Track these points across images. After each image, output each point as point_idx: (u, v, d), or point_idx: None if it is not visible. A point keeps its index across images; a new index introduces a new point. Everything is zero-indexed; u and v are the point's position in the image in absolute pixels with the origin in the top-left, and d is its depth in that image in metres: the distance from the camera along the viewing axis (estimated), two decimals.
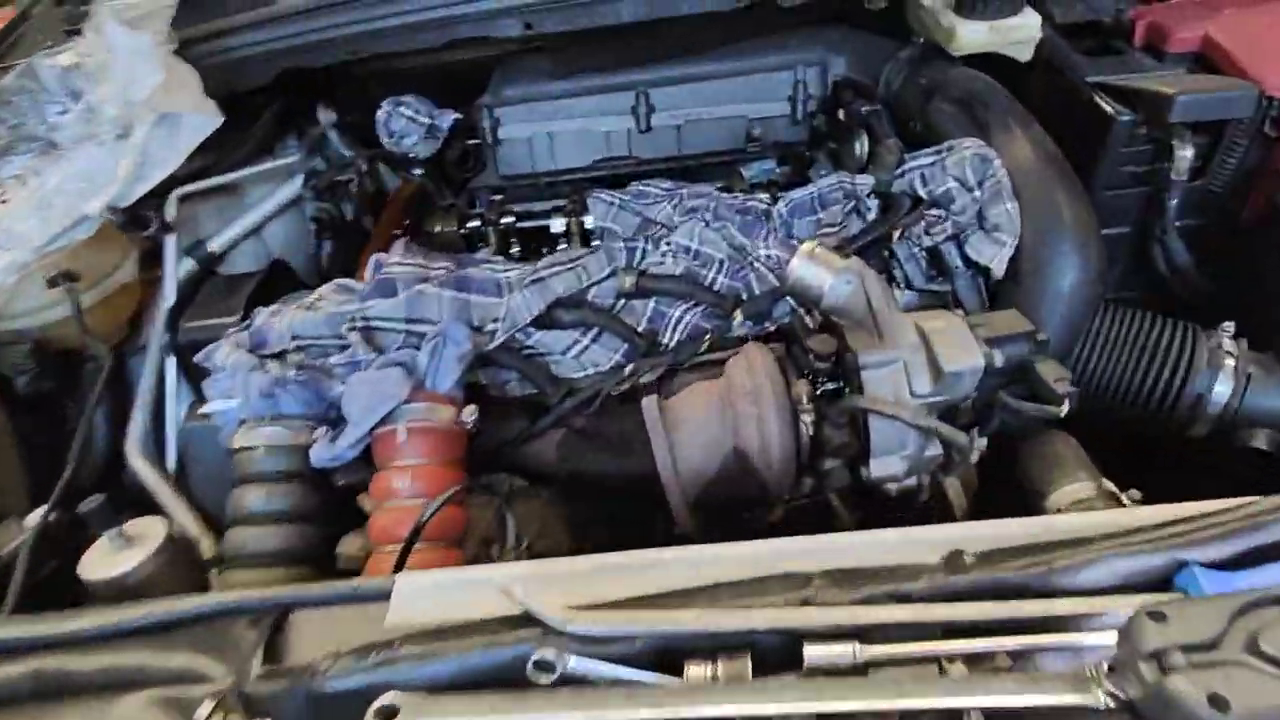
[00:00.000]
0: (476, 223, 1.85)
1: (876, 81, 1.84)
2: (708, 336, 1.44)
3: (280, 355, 1.35)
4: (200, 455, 1.43)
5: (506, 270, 1.50)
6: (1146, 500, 1.35)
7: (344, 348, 1.34)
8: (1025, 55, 1.58)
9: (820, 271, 1.28)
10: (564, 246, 1.76)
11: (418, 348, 1.30)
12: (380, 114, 1.89)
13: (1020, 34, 1.56)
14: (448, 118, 1.90)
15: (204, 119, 1.44)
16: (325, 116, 2.00)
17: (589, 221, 1.79)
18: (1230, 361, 1.29)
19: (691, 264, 1.52)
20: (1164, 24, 1.53)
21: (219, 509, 1.30)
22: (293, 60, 1.68)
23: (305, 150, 1.93)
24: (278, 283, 1.62)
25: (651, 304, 1.50)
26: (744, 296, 1.48)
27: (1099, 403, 1.38)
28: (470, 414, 1.30)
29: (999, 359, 1.16)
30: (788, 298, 1.45)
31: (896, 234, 1.34)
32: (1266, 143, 1.40)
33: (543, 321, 1.45)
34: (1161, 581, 0.62)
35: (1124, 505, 1.09)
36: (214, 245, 1.71)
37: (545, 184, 2.00)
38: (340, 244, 1.92)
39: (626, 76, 1.94)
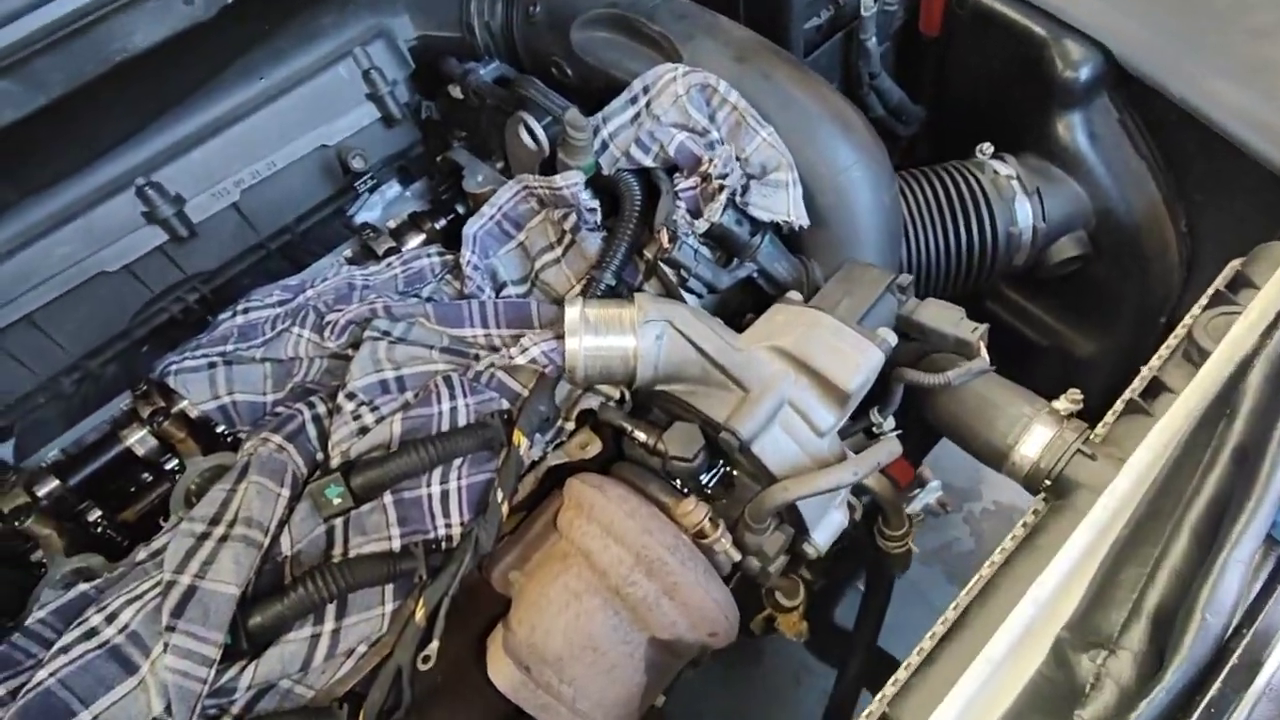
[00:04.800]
0: None
1: (465, 29, 1.35)
2: (500, 499, 0.93)
3: None
4: None
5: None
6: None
7: None
8: None
9: (613, 338, 0.85)
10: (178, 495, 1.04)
11: None
12: None
13: None
14: None
15: None
16: None
17: (194, 408, 1.09)
18: (1016, 185, 1.16)
19: (410, 409, 0.97)
20: None
21: None
22: None
23: None
24: None
25: (389, 500, 0.93)
26: (509, 410, 0.98)
27: (931, 285, 1.19)
28: None
29: (892, 338, 0.85)
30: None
31: (664, 235, 0.93)
32: None
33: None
34: None
35: (1088, 426, 0.90)
36: None
37: (67, 391, 1.20)
38: None
39: (103, 175, 1.18)
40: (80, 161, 1.18)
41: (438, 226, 1.30)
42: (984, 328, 0.87)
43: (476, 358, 1.03)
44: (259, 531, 0.86)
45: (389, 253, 1.27)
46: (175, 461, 1.12)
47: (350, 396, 0.99)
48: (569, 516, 0.87)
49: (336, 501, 0.92)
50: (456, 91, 1.27)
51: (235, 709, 0.81)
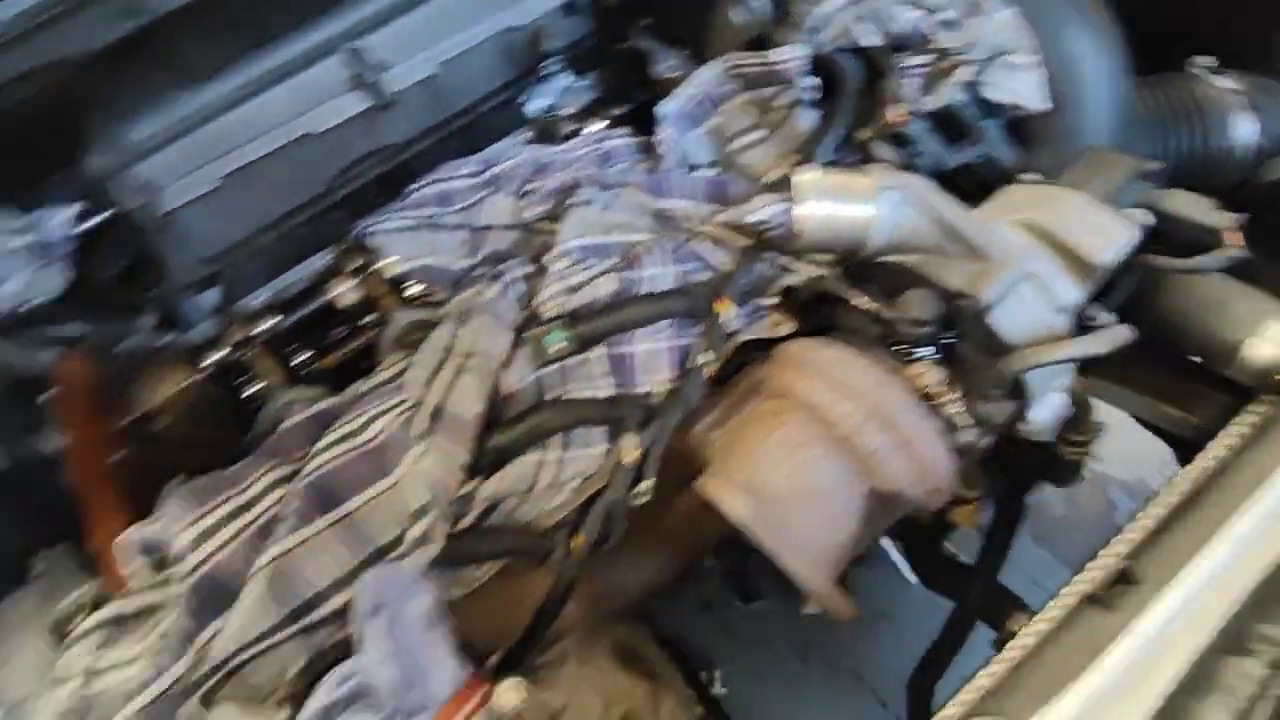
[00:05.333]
0: (219, 354, 1.10)
1: None
2: (705, 360, 0.95)
3: None
4: None
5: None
6: None
7: None
8: None
9: (848, 205, 0.85)
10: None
11: None
12: None
13: None
14: (58, 220, 1.06)
15: None
16: None
17: (392, 268, 1.14)
18: (1240, 100, 1.12)
19: (619, 271, 1.00)
20: None
21: None
22: None
23: None
24: None
25: (602, 352, 0.96)
26: (712, 280, 1.00)
27: None
28: None
29: (1146, 219, 0.85)
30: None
31: (895, 109, 0.93)
32: None
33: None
34: None
35: None
36: None
37: (269, 245, 1.25)
38: None
39: (314, 37, 1.22)
40: (291, 23, 1.21)
41: (618, 113, 1.32)
42: (1240, 216, 0.85)
43: (680, 229, 1.05)
44: (492, 360, 0.90)
45: (570, 136, 1.30)
46: (370, 317, 1.17)
47: (563, 254, 1.02)
48: (789, 376, 0.89)
49: (556, 348, 0.95)
50: None
51: (468, 520, 0.85)
